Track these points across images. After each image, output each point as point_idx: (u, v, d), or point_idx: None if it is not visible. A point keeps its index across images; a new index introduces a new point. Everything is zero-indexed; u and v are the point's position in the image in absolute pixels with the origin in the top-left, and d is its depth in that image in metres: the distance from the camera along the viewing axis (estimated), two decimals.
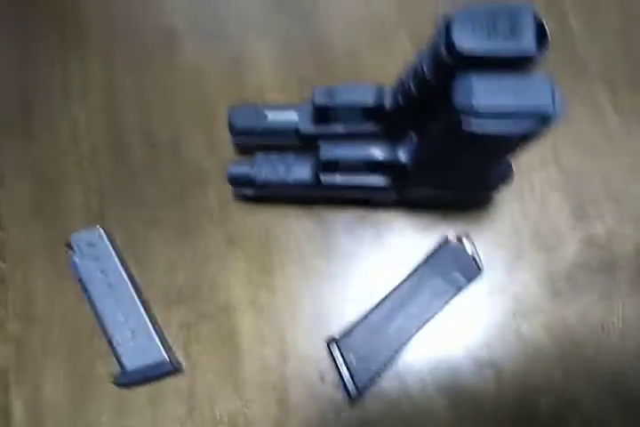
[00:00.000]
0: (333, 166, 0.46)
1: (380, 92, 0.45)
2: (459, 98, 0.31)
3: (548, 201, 0.53)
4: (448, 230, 0.52)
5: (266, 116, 0.51)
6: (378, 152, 0.44)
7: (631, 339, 0.49)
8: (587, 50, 0.55)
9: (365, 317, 0.47)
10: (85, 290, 0.50)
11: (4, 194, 0.56)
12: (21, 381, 0.50)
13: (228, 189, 0.53)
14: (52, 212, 0.55)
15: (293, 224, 0.53)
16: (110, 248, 0.51)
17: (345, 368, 0.45)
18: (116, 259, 0.51)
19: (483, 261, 0.48)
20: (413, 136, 0.42)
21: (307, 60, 0.58)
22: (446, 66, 0.35)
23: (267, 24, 0.60)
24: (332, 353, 0.46)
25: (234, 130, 0.51)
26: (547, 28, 0.33)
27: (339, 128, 0.49)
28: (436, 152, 0.39)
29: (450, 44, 0.33)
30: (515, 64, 0.34)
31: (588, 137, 0.54)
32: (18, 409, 0.49)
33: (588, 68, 0.54)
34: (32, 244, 0.54)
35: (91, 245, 0.51)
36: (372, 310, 0.48)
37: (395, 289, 0.48)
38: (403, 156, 0.43)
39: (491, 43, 0.34)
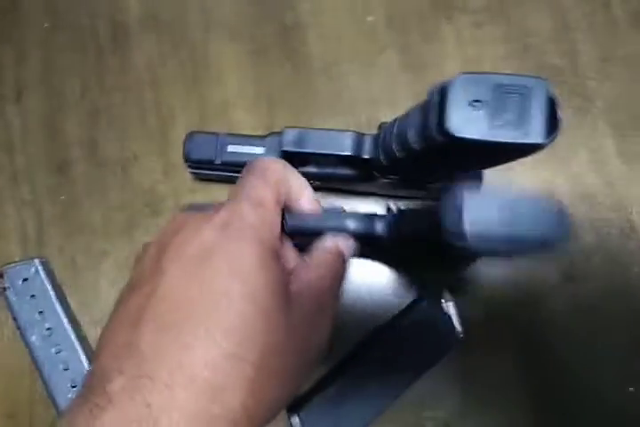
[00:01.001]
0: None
1: (357, 142, 0.40)
2: (448, 221, 0.26)
3: None
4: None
5: (227, 149, 0.44)
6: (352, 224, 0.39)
7: None
8: (595, 86, 0.50)
9: (327, 383, 0.43)
10: (20, 331, 0.45)
11: None
12: None
13: None
14: None
15: None
16: (48, 286, 0.46)
17: None
18: (55, 299, 0.46)
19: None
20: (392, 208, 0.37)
21: (281, 70, 0.51)
22: (435, 141, 0.31)
23: (236, 22, 0.52)
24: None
25: (189, 160, 0.45)
26: (560, 112, 0.28)
27: (311, 169, 0.44)
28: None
29: (442, 124, 0.28)
30: (517, 152, 0.30)
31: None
32: None
33: (595, 104, 0.49)
34: None
35: (26, 280, 0.46)
36: (335, 374, 0.43)
37: (354, 357, 0.44)
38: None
39: (492, 128, 0.29)
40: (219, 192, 0.49)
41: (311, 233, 0.32)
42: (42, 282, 0.46)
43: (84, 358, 0.45)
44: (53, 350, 0.45)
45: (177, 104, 0.51)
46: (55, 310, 0.46)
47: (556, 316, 0.45)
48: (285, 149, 0.40)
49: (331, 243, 0.31)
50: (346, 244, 0.31)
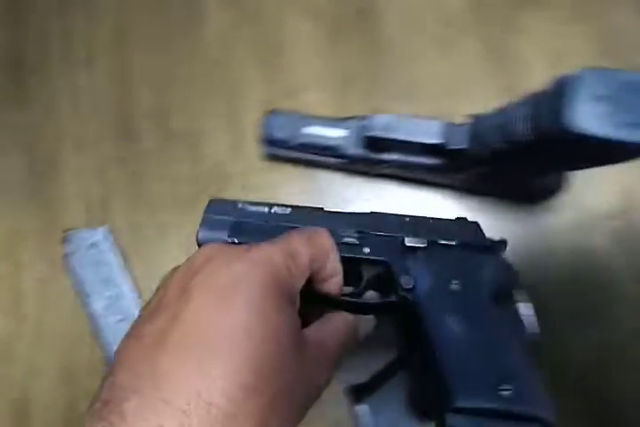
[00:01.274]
0: None
1: (447, 131, 0.40)
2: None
3: None
4: None
5: (306, 130, 0.44)
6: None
7: None
8: None
9: (392, 372, 0.42)
10: (82, 298, 0.45)
11: None
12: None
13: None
14: (47, 198, 0.49)
15: None
16: (112, 254, 0.46)
17: None
18: (118, 267, 0.46)
19: None
20: None
21: (356, 53, 0.50)
22: (549, 135, 0.30)
23: (315, 1, 0.51)
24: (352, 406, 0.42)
25: (267, 140, 0.44)
26: None
27: (393, 156, 0.43)
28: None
29: (562, 118, 0.27)
30: (636, 153, 0.29)
31: None
32: None
33: None
34: (22, 233, 0.48)
35: (91, 247, 0.46)
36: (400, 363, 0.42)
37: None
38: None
39: (616, 126, 0.28)
40: (286, 174, 0.48)
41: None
42: (106, 250, 0.46)
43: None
44: (115, 318, 0.45)
45: (249, 81, 0.50)
46: (118, 279, 0.46)
47: None
48: (372, 133, 0.40)
49: (346, 315, 0.33)
50: (366, 323, 0.35)
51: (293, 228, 0.38)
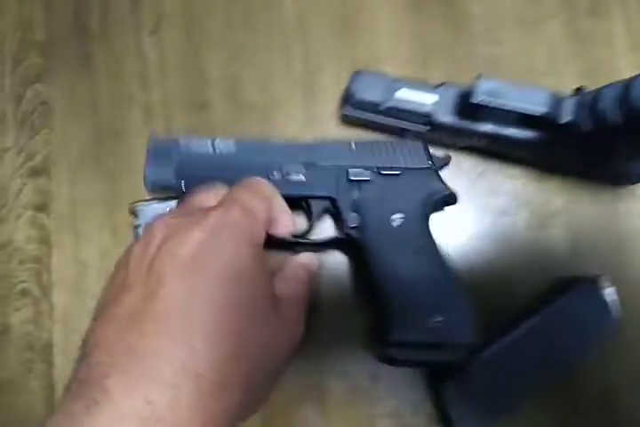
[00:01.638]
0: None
1: (556, 103, 0.37)
2: None
3: None
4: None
5: (396, 94, 0.41)
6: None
7: None
8: None
9: (479, 354, 0.39)
10: None
11: (55, 136, 0.46)
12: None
13: None
14: (112, 166, 0.46)
15: None
16: None
17: (456, 412, 0.38)
18: None
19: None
20: None
21: (438, 27, 0.48)
22: None
23: None
24: (434, 387, 0.39)
25: (353, 100, 0.42)
26: None
27: (486, 127, 0.41)
28: None
29: None
30: None
31: None
32: None
33: None
34: (85, 201, 0.45)
35: None
36: (488, 345, 0.40)
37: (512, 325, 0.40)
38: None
39: None
40: None
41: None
42: None
43: None
44: None
45: (325, 53, 0.48)
46: None
47: None
48: (477, 99, 0.37)
49: (303, 259, 0.36)
50: (313, 261, 0.37)
51: (240, 166, 0.39)
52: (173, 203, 0.41)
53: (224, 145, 0.41)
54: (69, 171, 0.44)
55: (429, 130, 0.43)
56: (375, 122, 0.43)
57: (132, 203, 0.40)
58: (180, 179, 0.39)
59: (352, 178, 0.40)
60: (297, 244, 0.40)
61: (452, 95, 0.41)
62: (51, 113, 0.46)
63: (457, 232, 0.44)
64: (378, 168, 0.40)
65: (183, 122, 0.47)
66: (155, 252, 0.27)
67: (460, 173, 0.45)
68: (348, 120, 0.45)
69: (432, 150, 0.42)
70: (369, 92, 0.41)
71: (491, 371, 0.39)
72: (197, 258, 0.26)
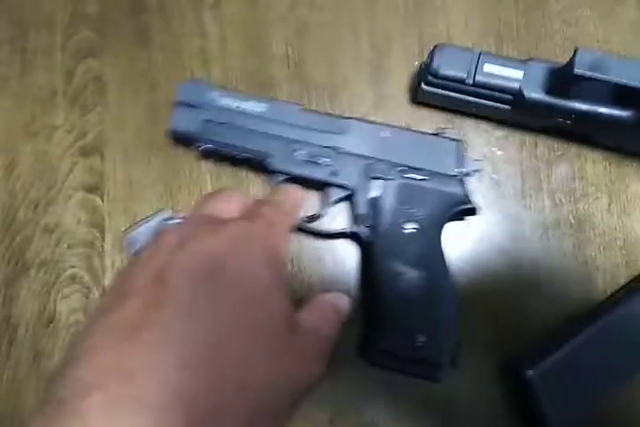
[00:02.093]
0: None
1: None
2: None
3: None
4: None
5: (483, 68, 0.39)
6: None
7: None
8: None
9: (565, 342, 0.37)
10: None
11: (109, 114, 0.43)
12: None
13: None
14: (169, 146, 0.43)
15: None
16: None
17: (545, 405, 0.35)
18: None
19: None
20: None
21: (514, 7, 0.46)
22: None
23: None
24: (518, 381, 0.36)
25: (436, 75, 0.39)
26: None
27: (578, 105, 0.38)
28: None
29: None
30: None
31: None
32: None
33: None
34: (140, 182, 0.43)
35: None
36: (570, 333, 0.37)
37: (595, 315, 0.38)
38: None
39: None
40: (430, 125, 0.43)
41: None
42: None
43: None
44: None
45: (395, 32, 0.46)
46: None
47: None
48: (578, 71, 0.35)
49: (335, 299, 0.31)
50: (345, 303, 0.31)
51: (265, 133, 0.38)
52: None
53: (254, 104, 0.39)
54: (124, 150, 0.41)
55: (512, 109, 0.40)
56: (454, 100, 0.41)
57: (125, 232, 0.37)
58: (205, 131, 0.38)
59: (375, 175, 0.38)
60: (306, 230, 0.39)
61: (540, 71, 0.38)
62: (104, 90, 0.43)
63: (535, 216, 0.42)
64: (403, 167, 0.38)
65: None
66: (165, 259, 0.24)
67: (537, 155, 0.43)
68: (423, 98, 0.42)
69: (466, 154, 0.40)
70: (454, 66, 0.39)
71: (580, 360, 0.37)
72: (209, 271, 0.23)
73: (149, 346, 0.20)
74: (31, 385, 0.38)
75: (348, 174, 0.38)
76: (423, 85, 0.40)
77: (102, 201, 0.41)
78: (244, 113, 0.38)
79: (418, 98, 0.43)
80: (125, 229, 0.38)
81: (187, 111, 0.38)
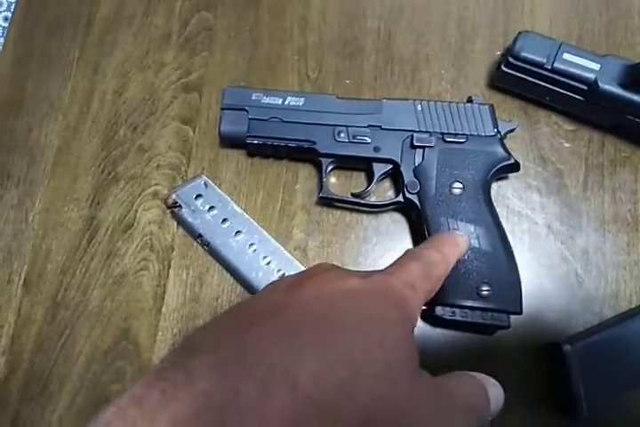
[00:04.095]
0: None
1: None
2: None
3: None
4: None
5: (563, 56, 0.42)
6: None
7: None
8: None
9: (609, 327, 0.38)
10: (210, 246, 0.42)
11: (212, 60, 0.48)
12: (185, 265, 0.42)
13: None
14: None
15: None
16: (223, 194, 0.43)
17: (580, 383, 0.36)
18: (234, 203, 0.43)
19: None
20: None
21: (598, 11, 0.49)
22: None
23: None
24: (559, 358, 0.37)
25: (517, 58, 0.42)
26: None
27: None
28: None
29: None
30: None
31: None
32: None
33: None
34: None
35: (200, 196, 0.43)
36: (616, 321, 0.39)
37: None
38: None
39: None
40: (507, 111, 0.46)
41: None
42: (216, 193, 0.43)
43: (279, 245, 0.42)
44: (250, 249, 0.41)
45: (482, 23, 0.49)
46: (238, 213, 0.43)
47: None
48: None
49: (483, 382, 0.25)
50: (498, 393, 0.25)
51: (308, 124, 0.41)
52: (203, 176, 0.43)
53: (294, 99, 0.42)
54: (219, 93, 0.46)
55: (585, 100, 0.42)
56: (530, 84, 0.43)
57: (165, 197, 0.42)
58: (253, 129, 0.41)
59: (416, 144, 0.41)
60: (356, 204, 0.42)
61: (617, 66, 0.41)
62: (213, 39, 0.48)
63: (593, 209, 0.44)
64: (442, 134, 0.41)
65: (333, 66, 0.48)
66: (302, 282, 0.24)
67: (603, 152, 0.45)
68: (501, 82, 0.45)
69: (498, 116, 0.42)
70: (535, 51, 0.42)
71: (619, 341, 0.38)
72: (344, 296, 0.22)
73: (267, 333, 0.20)
74: (99, 281, 0.42)
75: (391, 148, 0.41)
76: (503, 67, 0.43)
77: (193, 132, 0.46)
78: (285, 108, 0.42)
79: (495, 81, 0.46)
80: (169, 190, 0.43)
81: (233, 113, 0.42)
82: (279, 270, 0.40)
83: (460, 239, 0.29)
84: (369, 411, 0.19)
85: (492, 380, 0.25)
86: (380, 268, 0.26)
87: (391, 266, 0.26)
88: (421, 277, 0.25)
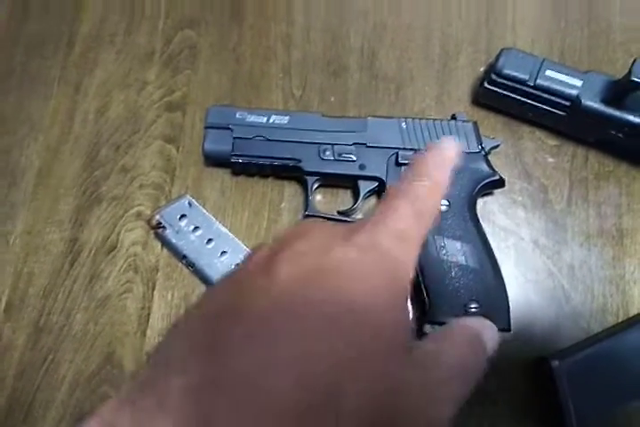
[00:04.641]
0: None
1: None
2: None
3: None
4: None
5: (545, 72, 0.42)
6: None
7: None
8: None
9: (597, 342, 0.38)
10: (195, 266, 0.42)
11: (196, 78, 0.48)
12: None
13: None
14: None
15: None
16: (207, 213, 0.43)
17: (569, 398, 0.36)
18: (219, 223, 0.43)
19: None
20: None
21: (579, 29, 0.50)
22: None
23: None
24: (548, 373, 0.37)
25: (499, 75, 0.43)
26: None
27: (632, 118, 0.41)
28: None
29: None
30: None
31: None
32: None
33: None
34: None
35: (184, 216, 0.43)
36: (605, 335, 0.39)
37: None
38: None
39: None
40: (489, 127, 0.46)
41: None
42: (200, 212, 0.43)
43: None
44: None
45: (464, 40, 0.50)
46: (224, 232, 0.42)
47: None
48: (635, 79, 0.38)
49: (474, 329, 0.23)
50: (492, 334, 0.23)
51: (293, 142, 0.41)
52: (187, 196, 0.43)
53: (278, 118, 0.42)
54: (203, 111, 0.45)
55: (567, 116, 0.43)
56: (513, 101, 0.44)
57: (149, 218, 0.42)
58: (237, 148, 0.41)
59: (401, 161, 0.41)
60: (342, 222, 0.41)
61: (599, 82, 0.42)
62: (196, 57, 0.48)
63: (579, 224, 0.44)
64: None
65: (317, 83, 0.48)
66: (279, 250, 0.21)
67: (587, 167, 0.45)
68: (484, 98, 0.46)
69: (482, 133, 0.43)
70: (518, 68, 0.42)
71: (607, 356, 0.37)
72: (324, 272, 0.20)
73: (248, 325, 0.18)
74: (83, 304, 0.41)
75: (376, 166, 0.42)
76: (486, 84, 0.44)
77: (177, 151, 0.45)
78: (269, 126, 0.42)
79: (479, 98, 0.46)
80: (153, 211, 0.43)
81: (218, 132, 0.42)
82: None
83: (447, 151, 0.24)
84: (363, 412, 0.17)
85: (487, 322, 0.23)
86: None
87: (377, 211, 0.22)
88: (413, 218, 0.22)
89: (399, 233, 0.22)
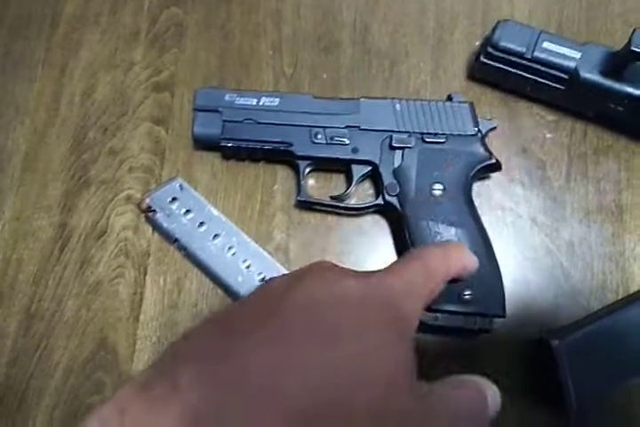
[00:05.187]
0: None
1: None
2: None
3: None
4: None
5: (542, 44, 0.41)
6: None
7: None
8: None
9: (597, 319, 0.37)
10: (187, 250, 0.41)
11: (183, 57, 0.46)
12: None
13: None
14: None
15: None
16: (199, 197, 0.42)
17: (569, 377, 0.35)
18: (211, 206, 0.42)
19: None
20: None
21: (576, 1, 0.48)
22: None
23: None
24: (548, 352, 0.36)
25: (496, 48, 0.41)
26: None
27: (631, 90, 0.39)
28: None
29: None
30: None
31: None
32: None
33: None
34: None
35: (175, 199, 0.41)
36: (604, 313, 0.38)
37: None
38: None
39: None
40: (488, 104, 0.45)
41: None
42: (192, 195, 0.42)
43: (258, 247, 0.41)
44: (229, 253, 0.40)
45: (460, 13, 0.48)
46: (216, 216, 0.41)
47: None
48: (635, 48, 0.36)
49: (480, 385, 0.24)
50: (495, 395, 0.24)
51: (284, 125, 0.40)
52: (178, 179, 0.41)
53: (268, 100, 0.41)
54: (191, 91, 0.44)
55: (565, 89, 0.41)
56: (511, 75, 0.42)
57: (139, 202, 0.40)
58: (226, 132, 0.40)
59: (395, 145, 0.40)
60: (335, 207, 0.40)
61: (597, 53, 0.40)
62: (183, 35, 0.47)
63: (577, 200, 0.43)
64: (422, 134, 0.40)
65: (309, 61, 0.47)
66: (294, 283, 0.22)
67: (585, 142, 0.44)
68: (480, 73, 0.44)
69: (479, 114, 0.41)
70: (515, 41, 0.41)
71: (607, 333, 0.37)
72: (333, 305, 0.21)
73: (249, 343, 0.20)
74: (74, 290, 0.41)
75: (369, 149, 0.40)
76: (482, 58, 0.42)
77: (166, 133, 0.44)
78: (259, 109, 0.41)
79: (475, 72, 0.44)
80: (143, 194, 0.41)
81: (206, 115, 0.41)
82: (260, 273, 0.39)
83: (468, 254, 0.27)
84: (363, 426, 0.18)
85: (488, 382, 0.24)
86: (364, 268, 0.25)
87: (393, 264, 0.25)
88: (423, 276, 0.24)
89: (410, 282, 0.23)
